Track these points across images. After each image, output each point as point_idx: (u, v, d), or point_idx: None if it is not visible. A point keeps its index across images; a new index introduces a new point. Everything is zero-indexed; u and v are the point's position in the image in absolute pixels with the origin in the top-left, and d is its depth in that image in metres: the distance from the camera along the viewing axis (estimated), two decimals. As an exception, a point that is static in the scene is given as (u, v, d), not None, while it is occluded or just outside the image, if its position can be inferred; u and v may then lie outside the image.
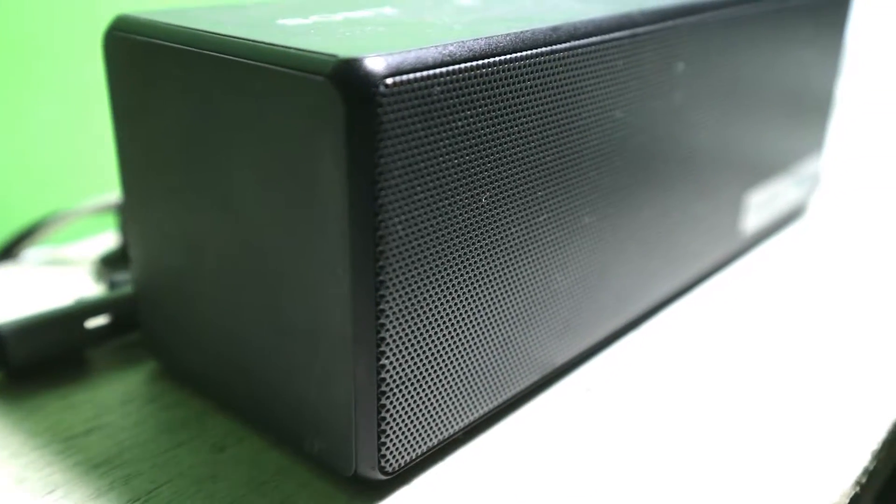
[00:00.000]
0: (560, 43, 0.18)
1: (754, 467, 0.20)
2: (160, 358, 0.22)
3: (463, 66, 0.16)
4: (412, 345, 0.17)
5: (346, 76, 0.15)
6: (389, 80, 0.15)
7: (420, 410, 0.18)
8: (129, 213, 0.21)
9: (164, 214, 0.20)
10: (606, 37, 0.20)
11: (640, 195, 0.23)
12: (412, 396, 0.18)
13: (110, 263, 0.29)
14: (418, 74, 0.15)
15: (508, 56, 0.17)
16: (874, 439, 0.21)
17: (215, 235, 0.19)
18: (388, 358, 0.17)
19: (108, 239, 0.32)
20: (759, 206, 0.30)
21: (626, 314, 0.24)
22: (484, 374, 0.20)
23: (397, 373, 0.17)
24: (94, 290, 0.27)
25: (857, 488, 0.20)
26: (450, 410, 0.19)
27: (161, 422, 0.20)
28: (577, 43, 0.19)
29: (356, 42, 0.16)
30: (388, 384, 0.17)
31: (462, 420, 0.19)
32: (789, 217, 0.34)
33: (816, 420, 0.22)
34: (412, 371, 0.17)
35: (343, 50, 0.15)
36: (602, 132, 0.21)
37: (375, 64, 0.15)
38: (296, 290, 0.17)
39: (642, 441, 0.20)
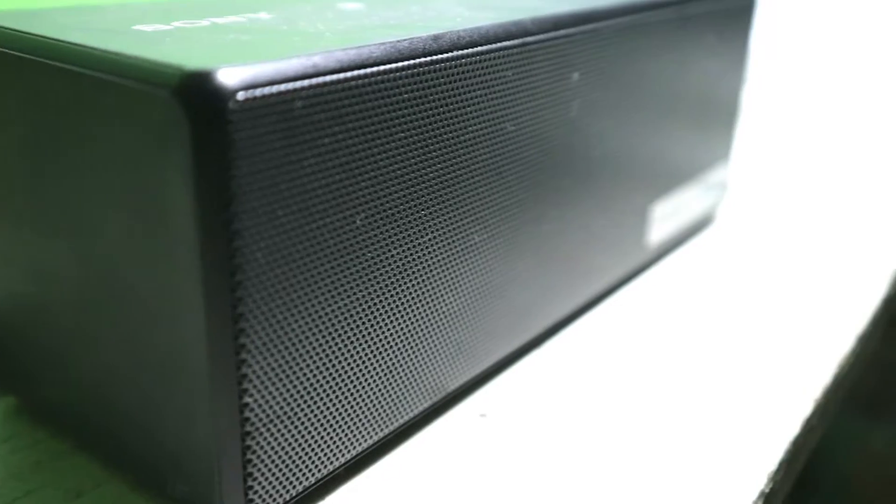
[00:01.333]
0: (442, 53, 0.17)
1: (654, 493, 0.19)
2: (16, 393, 0.20)
3: (329, 78, 0.15)
4: (279, 380, 0.16)
5: (193, 91, 0.13)
6: (242, 95, 0.14)
7: (292, 449, 0.17)
8: (-22, 235, 0.19)
9: (12, 239, 0.18)
10: (494, 46, 0.19)
11: (536, 210, 0.22)
12: (282, 434, 0.16)
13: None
14: (277, 88, 0.14)
15: (382, 67, 0.16)
16: (772, 460, 0.21)
17: (66, 263, 0.17)
18: (251, 395, 0.15)
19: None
20: (666, 217, 0.30)
21: (524, 334, 0.23)
22: (366, 404, 0.18)
23: (263, 411, 0.16)
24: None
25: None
26: (328, 446, 0.18)
27: (10, 466, 0.18)
28: (460, 53, 0.18)
29: (211, 52, 0.15)
30: (252, 423, 0.16)
31: (343, 455, 0.18)
32: (697, 227, 0.33)
33: (715, 441, 0.21)
34: (281, 408, 0.16)
35: (193, 61, 0.14)
36: (492, 146, 0.20)
37: (227, 77, 0.14)
38: (151, 322, 0.16)
39: (540, 470, 0.19)
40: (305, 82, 0.15)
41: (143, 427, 0.17)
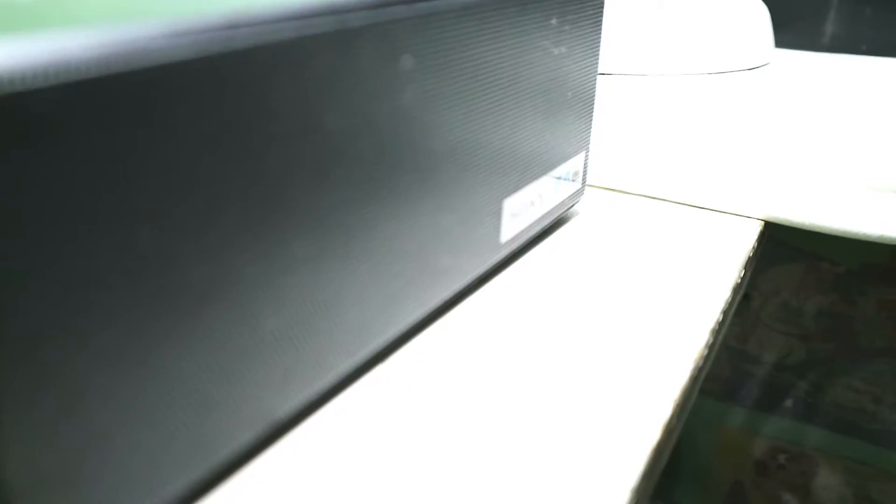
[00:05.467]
0: (238, 38, 0.15)
1: (503, 527, 0.17)
2: None
3: (86, 66, 0.12)
4: (51, 439, 0.13)
5: None
6: (-40, 89, 0.11)
7: (74, 516, 0.14)
8: None
9: None
10: (306, 30, 0.16)
11: (370, 212, 0.20)
12: (62, 499, 0.13)
13: None
14: (11, 81, 0.11)
15: (159, 54, 0.13)
16: (633, 474, 0.19)
17: None
18: (12, 466, 0.12)
19: None
20: (520, 212, 0.28)
21: (365, 349, 0.21)
22: (175, 443, 0.16)
23: (29, 479, 0.13)
24: None
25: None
26: (128, 500, 0.15)
27: None
28: (262, 37, 0.15)
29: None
30: (14, 495, 0.13)
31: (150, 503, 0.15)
32: (557, 221, 0.32)
33: (572, 456, 0.19)
34: (57, 470, 0.13)
35: None
36: (310, 143, 0.17)
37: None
38: None
39: (380, 496, 0.17)
40: (55, 74, 0.12)
41: None
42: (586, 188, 0.36)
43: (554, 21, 0.27)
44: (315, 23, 0.16)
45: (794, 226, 0.36)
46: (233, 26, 0.15)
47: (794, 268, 0.45)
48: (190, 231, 0.15)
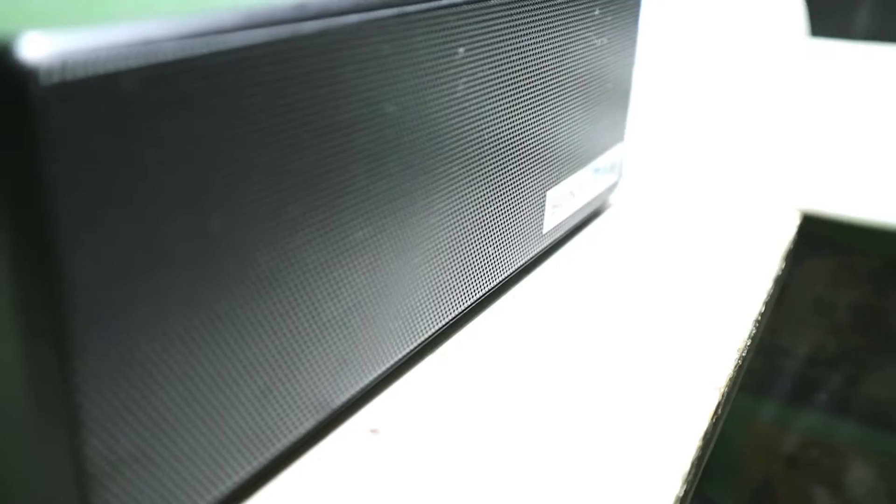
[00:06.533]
0: (307, 22, 0.15)
1: (560, 512, 0.17)
2: None
3: (168, 51, 0.12)
4: (123, 420, 0.13)
5: (-15, 67, 0.11)
6: (54, 73, 0.11)
7: (146, 494, 0.14)
8: None
9: None
10: (368, 16, 0.16)
11: (424, 200, 0.20)
12: (132, 481, 0.14)
13: None
14: (100, 64, 0.11)
15: (237, 38, 0.13)
16: (683, 461, 0.19)
17: None
18: (90, 445, 0.13)
19: None
20: (563, 203, 0.28)
21: (416, 338, 0.21)
22: (238, 430, 0.16)
23: (106, 459, 0.13)
24: None
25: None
26: (190, 485, 0.15)
27: None
28: (329, 23, 0.15)
29: (8, 17, 0.12)
30: (91, 473, 0.13)
31: (213, 491, 0.16)
32: (594, 212, 0.32)
33: (623, 445, 0.19)
34: (127, 451, 0.13)
35: (-16, 30, 0.11)
36: (371, 130, 0.17)
37: (30, 49, 0.11)
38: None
39: (439, 490, 0.17)
40: (138, 57, 0.12)
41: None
42: (622, 178, 0.36)
43: (597, 12, 0.27)
44: (377, 10, 0.16)
45: (830, 218, 0.36)
46: (300, 13, 0.15)
47: (827, 261, 0.45)
48: (257, 215, 0.15)
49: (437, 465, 0.18)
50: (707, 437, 0.21)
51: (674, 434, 0.20)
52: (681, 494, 0.19)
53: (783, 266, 0.30)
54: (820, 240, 0.37)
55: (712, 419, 0.21)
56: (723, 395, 0.23)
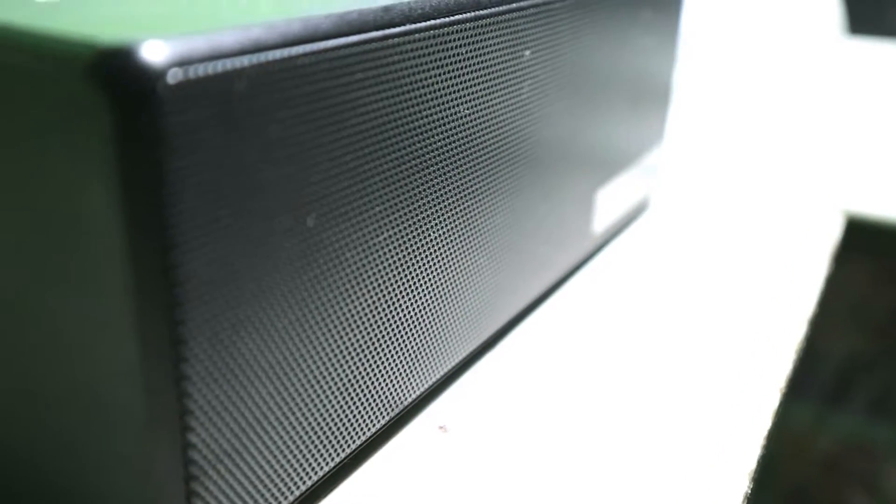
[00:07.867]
0: (394, 26, 0.15)
1: (635, 507, 0.17)
2: None
3: (273, 55, 0.13)
4: (227, 412, 0.13)
5: (113, 70, 0.11)
6: (175, 75, 0.11)
7: (243, 488, 0.14)
8: None
9: None
10: (447, 20, 0.17)
11: (489, 201, 0.20)
12: (231, 473, 0.14)
13: None
14: (214, 66, 0.12)
15: (332, 42, 0.14)
16: (750, 459, 0.19)
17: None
18: (197, 435, 0.13)
19: None
20: (610, 203, 0.28)
21: (479, 336, 0.22)
22: (320, 430, 0.16)
23: (210, 448, 0.13)
24: None
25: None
26: (281, 480, 0.15)
27: None
28: (414, 27, 0.16)
29: (128, 23, 0.12)
30: (198, 464, 0.13)
31: (297, 487, 0.16)
32: (636, 212, 0.32)
33: (690, 442, 0.20)
34: (228, 445, 0.14)
35: (109, 33, 0.11)
36: (446, 131, 0.18)
37: (154, 52, 0.11)
38: (66, 355, 0.13)
39: (509, 486, 0.18)
40: (247, 59, 0.12)
41: (63, 480, 0.14)
42: (660, 178, 0.36)
43: (646, 13, 0.27)
44: (455, 14, 0.17)
45: (871, 219, 0.36)
46: (387, 17, 0.15)
47: (866, 262, 0.45)
48: (345, 214, 0.15)
49: (505, 461, 0.19)
50: (771, 437, 0.21)
51: (740, 434, 0.20)
52: (748, 492, 0.19)
53: (833, 267, 0.31)
54: (860, 241, 0.37)
55: (774, 418, 0.22)
56: (783, 395, 0.23)
